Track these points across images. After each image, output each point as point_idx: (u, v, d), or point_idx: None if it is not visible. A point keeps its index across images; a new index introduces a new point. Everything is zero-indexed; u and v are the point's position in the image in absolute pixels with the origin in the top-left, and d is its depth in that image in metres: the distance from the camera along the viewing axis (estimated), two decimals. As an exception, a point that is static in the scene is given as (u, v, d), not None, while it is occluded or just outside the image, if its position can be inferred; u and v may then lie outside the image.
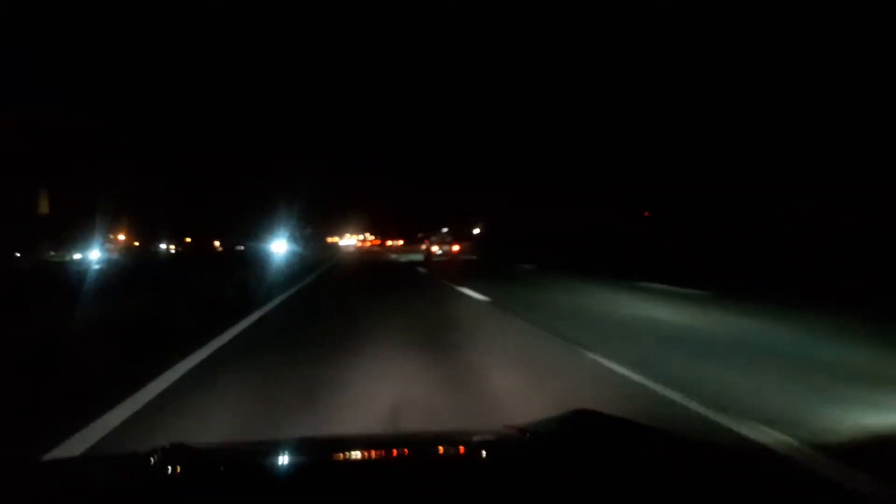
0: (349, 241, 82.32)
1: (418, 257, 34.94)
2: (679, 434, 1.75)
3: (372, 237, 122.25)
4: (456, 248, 29.98)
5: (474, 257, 29.27)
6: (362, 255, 48.53)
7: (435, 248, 30.29)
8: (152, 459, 1.41)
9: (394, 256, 39.39)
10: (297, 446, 1.84)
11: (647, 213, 30.28)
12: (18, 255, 33.84)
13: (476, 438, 1.78)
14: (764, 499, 1.20)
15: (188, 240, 62.34)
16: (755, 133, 22.43)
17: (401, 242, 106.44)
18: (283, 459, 1.62)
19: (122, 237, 49.23)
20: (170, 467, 1.42)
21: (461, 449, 1.68)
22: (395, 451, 1.69)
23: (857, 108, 18.79)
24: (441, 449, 1.73)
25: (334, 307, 11.36)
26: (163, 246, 54.94)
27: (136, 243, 52.01)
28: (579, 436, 1.63)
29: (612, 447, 1.51)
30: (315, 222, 60.26)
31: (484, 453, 1.60)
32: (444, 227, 35.36)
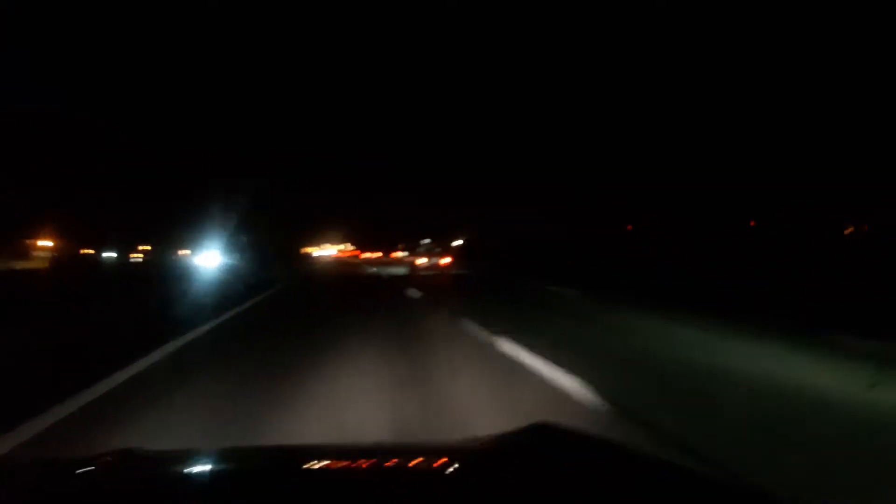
0: (327, 251, 76.44)
1: (400, 271, 30.84)
2: (642, 451, 1.66)
3: (352, 247, 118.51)
4: (446, 260, 25.77)
5: (465, 271, 25.32)
6: (338, 268, 43.93)
7: (421, 261, 26.04)
8: (97, 465, 1.43)
9: (373, 270, 34.88)
10: (251, 454, 1.84)
11: (630, 227, 28.94)
12: None
13: (435, 449, 1.83)
14: None
15: (146, 248, 57.29)
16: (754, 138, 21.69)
17: (379, 254, 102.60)
18: (234, 468, 1.56)
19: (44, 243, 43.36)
20: (114, 474, 1.41)
21: (422, 460, 1.62)
22: (353, 463, 1.62)
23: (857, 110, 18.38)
24: (403, 460, 1.64)
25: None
26: (109, 255, 49.12)
27: (82, 251, 46.86)
28: (537, 449, 1.62)
29: (569, 460, 1.51)
30: (286, 232, 54.82)
31: (444, 465, 1.54)
32: (425, 238, 31.96)
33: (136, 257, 54.04)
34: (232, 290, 16.71)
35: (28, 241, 39.67)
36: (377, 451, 1.81)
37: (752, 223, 21.89)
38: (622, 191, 28.85)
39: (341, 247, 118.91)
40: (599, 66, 35.19)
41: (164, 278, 19.84)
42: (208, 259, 26.10)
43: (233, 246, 26.88)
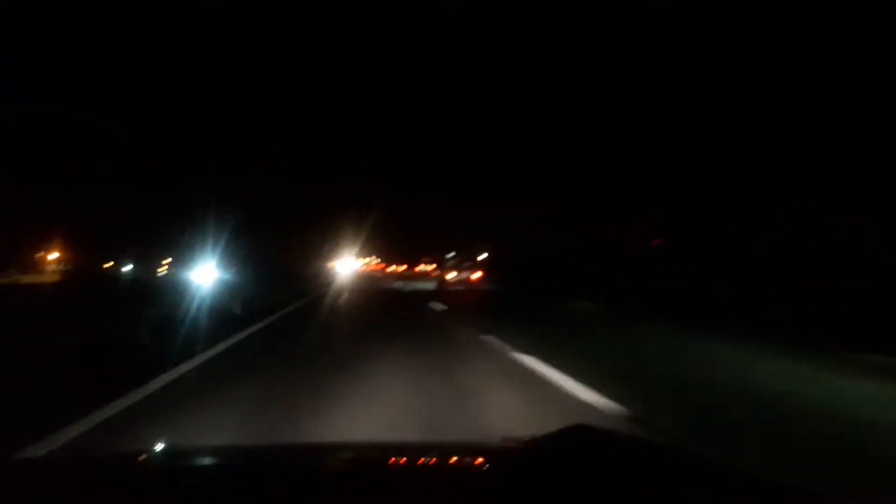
0: (349, 264, 74.31)
1: (427, 286, 28.99)
2: (680, 451, 1.73)
3: (378, 260, 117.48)
4: (476, 275, 23.82)
5: (496, 287, 23.37)
6: (362, 282, 41.11)
7: (451, 276, 24.09)
8: (141, 458, 1.53)
9: (398, 285, 33.00)
10: (293, 451, 1.87)
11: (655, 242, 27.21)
12: None
13: (475, 448, 1.89)
14: None
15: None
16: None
17: (404, 267, 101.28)
18: (276, 464, 1.57)
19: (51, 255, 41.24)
20: (159, 466, 1.48)
21: (461, 459, 1.66)
22: (393, 460, 1.65)
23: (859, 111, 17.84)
24: (441, 458, 1.66)
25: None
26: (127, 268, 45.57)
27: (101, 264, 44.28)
28: (577, 449, 1.62)
29: (609, 462, 1.50)
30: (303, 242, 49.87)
31: (484, 463, 1.59)
32: (450, 251, 28.99)
33: (161, 271, 50.08)
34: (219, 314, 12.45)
35: (39, 254, 37.69)
36: (413, 449, 1.90)
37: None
38: (629, 191, 27.34)
39: (367, 260, 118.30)
40: (605, 67, 33.84)
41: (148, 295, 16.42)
42: (203, 274, 21.43)
43: (230, 258, 23.08)
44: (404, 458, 1.62)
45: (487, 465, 1.52)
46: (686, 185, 24.36)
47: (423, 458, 1.63)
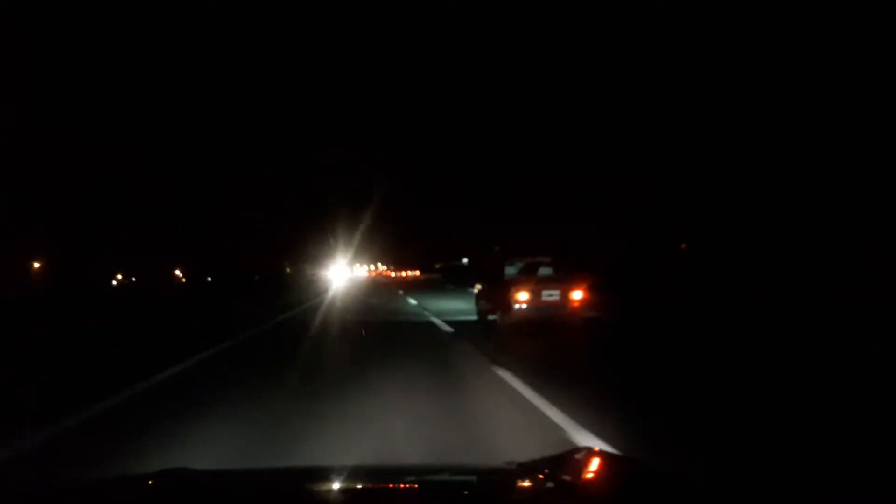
0: (346, 272, 66.39)
1: (457, 307, 18.05)
2: (683, 475, 1.66)
3: (384, 267, 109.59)
4: (578, 294, 11.63)
5: (594, 315, 11.88)
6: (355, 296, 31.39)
7: (523, 296, 11.65)
8: (151, 483, 1.48)
9: (411, 304, 21.66)
10: (302, 475, 1.86)
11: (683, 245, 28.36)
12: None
13: (482, 472, 1.92)
14: None
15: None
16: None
17: (417, 273, 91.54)
18: (284, 489, 1.58)
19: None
20: (168, 492, 1.42)
21: (470, 483, 1.68)
22: (400, 483, 1.66)
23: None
24: (451, 482, 1.69)
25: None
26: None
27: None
28: (583, 473, 1.61)
29: (615, 485, 1.49)
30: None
31: (493, 486, 1.59)
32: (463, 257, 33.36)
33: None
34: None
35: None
36: (423, 472, 1.94)
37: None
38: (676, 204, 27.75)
39: (371, 267, 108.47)
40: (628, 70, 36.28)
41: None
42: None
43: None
44: (414, 483, 1.63)
45: (496, 488, 1.53)
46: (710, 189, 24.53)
47: (433, 483, 1.64)
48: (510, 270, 12.96)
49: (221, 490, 1.49)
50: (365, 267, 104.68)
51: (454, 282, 45.35)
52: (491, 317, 13.89)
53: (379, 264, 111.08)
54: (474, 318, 14.98)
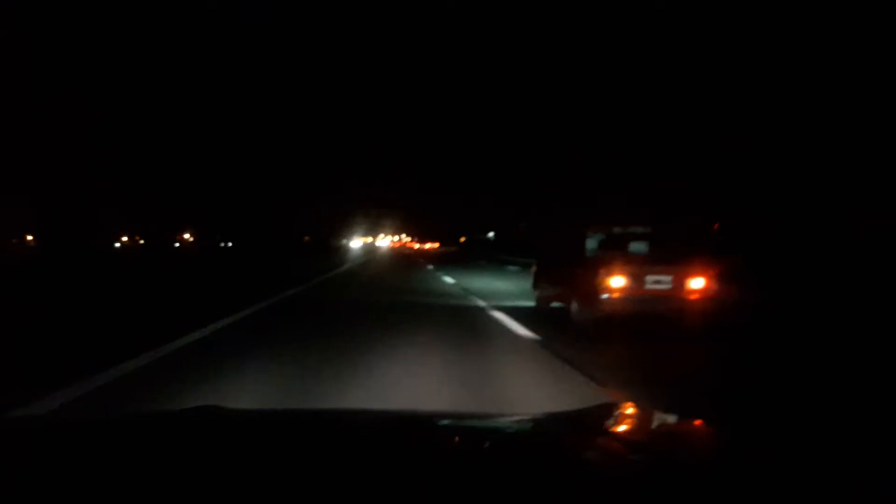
0: (364, 242, 70.51)
1: (502, 288, 15.37)
2: (719, 431, 1.54)
3: (408, 238, 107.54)
4: (699, 282, 7.92)
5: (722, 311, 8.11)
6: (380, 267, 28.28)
7: (618, 282, 8.02)
8: (183, 419, 1.49)
9: (449, 284, 17.37)
10: (329, 418, 1.80)
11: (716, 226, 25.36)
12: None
13: (509, 420, 1.92)
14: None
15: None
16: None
17: (436, 245, 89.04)
18: (314, 430, 1.54)
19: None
20: (204, 428, 1.42)
21: (493, 432, 1.62)
22: (432, 430, 1.60)
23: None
24: (474, 431, 1.62)
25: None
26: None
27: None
28: (608, 426, 1.55)
29: (642, 440, 1.46)
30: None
31: (516, 436, 1.57)
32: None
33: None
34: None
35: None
36: (453, 417, 1.96)
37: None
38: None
39: (395, 238, 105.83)
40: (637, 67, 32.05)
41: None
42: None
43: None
44: (440, 429, 1.61)
45: (523, 438, 1.51)
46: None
47: (459, 429, 1.62)
48: (591, 244, 9.34)
49: (250, 429, 1.48)
50: (388, 238, 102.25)
51: (484, 256, 42.21)
52: (555, 304, 10.40)
53: (403, 235, 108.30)
54: (529, 303, 11.50)
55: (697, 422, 1.58)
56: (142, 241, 46.71)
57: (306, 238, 71.79)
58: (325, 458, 1.21)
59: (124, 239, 47.08)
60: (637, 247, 8.92)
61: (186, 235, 53.28)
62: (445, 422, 1.74)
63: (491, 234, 77.85)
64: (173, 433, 1.37)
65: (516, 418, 1.93)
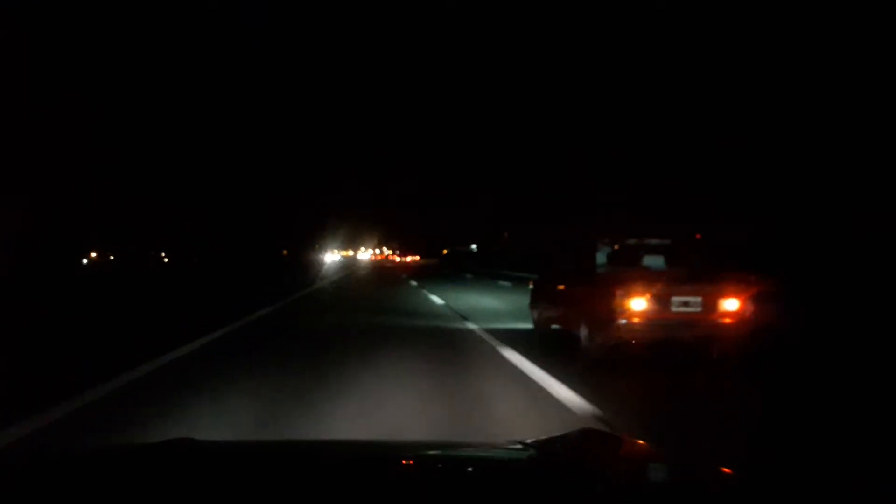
0: (348, 255, 70.75)
1: (492, 306, 14.56)
2: (687, 458, 1.65)
3: (389, 251, 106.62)
4: (733, 304, 6.63)
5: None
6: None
7: (639, 305, 6.74)
8: (159, 453, 1.44)
9: (436, 304, 15.38)
10: (304, 449, 1.80)
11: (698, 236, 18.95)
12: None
13: (483, 452, 1.87)
14: None
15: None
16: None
17: (416, 258, 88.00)
18: (288, 461, 1.53)
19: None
20: (177, 461, 1.39)
21: (470, 461, 1.61)
22: (405, 461, 1.60)
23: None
24: (450, 460, 1.64)
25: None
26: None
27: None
28: (585, 454, 1.56)
29: (617, 466, 1.48)
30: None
31: (492, 465, 1.57)
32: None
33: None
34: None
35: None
36: (421, 449, 1.89)
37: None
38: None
39: (376, 251, 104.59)
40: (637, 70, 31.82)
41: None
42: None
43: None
44: (412, 459, 1.59)
45: (496, 467, 1.50)
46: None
47: (431, 459, 1.62)
48: (601, 259, 8.05)
49: (225, 462, 1.47)
50: (369, 251, 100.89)
51: (469, 270, 41.01)
52: (555, 326, 9.13)
53: (384, 248, 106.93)
54: (527, 325, 10.21)
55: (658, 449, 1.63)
56: (112, 258, 44.80)
57: (285, 252, 69.82)
58: (297, 490, 1.20)
59: (93, 255, 45.14)
60: (655, 261, 7.67)
61: (162, 254, 51.37)
62: (419, 452, 1.73)
63: (473, 246, 76.70)
64: (144, 467, 1.36)
65: (487, 446, 2.10)
